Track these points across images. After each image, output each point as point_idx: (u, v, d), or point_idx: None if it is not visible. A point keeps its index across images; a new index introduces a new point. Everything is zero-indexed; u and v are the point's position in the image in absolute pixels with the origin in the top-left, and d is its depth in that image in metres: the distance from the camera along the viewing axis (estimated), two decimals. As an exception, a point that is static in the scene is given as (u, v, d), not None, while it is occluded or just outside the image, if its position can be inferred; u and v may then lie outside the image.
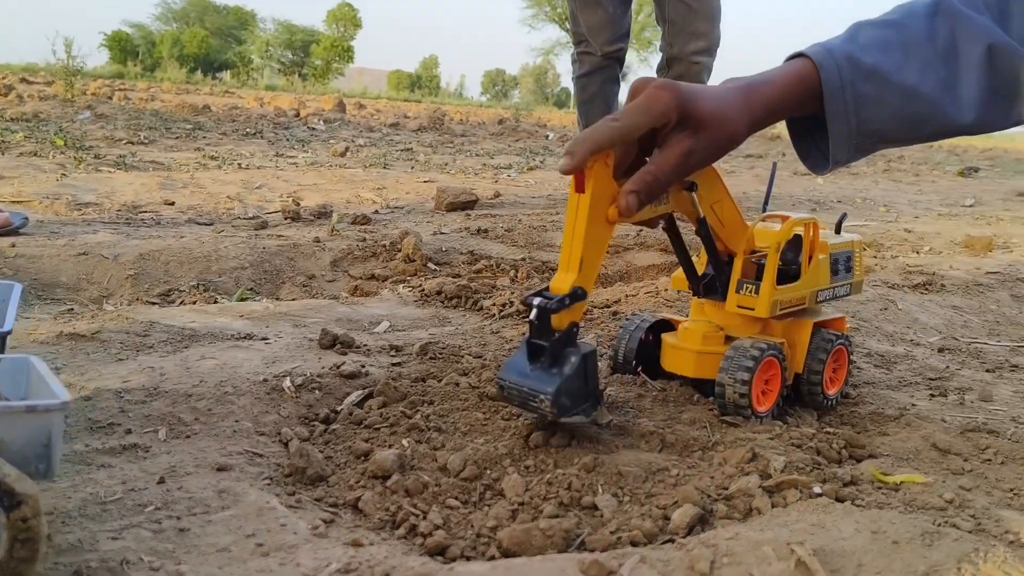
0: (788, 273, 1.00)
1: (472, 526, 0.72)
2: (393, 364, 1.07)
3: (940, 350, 1.40)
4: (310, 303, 1.38)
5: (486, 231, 2.11)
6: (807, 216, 1.00)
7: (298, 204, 2.44)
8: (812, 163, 0.99)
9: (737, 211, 0.99)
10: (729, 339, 1.00)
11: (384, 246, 1.88)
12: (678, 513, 0.72)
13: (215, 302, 1.48)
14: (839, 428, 0.95)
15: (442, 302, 1.47)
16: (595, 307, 1.42)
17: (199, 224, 2.08)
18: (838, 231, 1.10)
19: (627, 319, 1.10)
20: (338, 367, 1.02)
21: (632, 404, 0.95)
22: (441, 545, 0.68)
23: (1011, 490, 0.83)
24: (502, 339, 1.21)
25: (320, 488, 0.78)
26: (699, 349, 0.99)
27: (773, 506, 0.76)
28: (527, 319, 0.86)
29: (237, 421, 0.88)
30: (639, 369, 1.06)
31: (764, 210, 1.14)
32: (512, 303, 1.40)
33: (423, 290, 1.50)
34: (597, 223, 0.83)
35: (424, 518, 0.73)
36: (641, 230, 2.24)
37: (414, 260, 1.81)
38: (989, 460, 0.90)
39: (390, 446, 0.84)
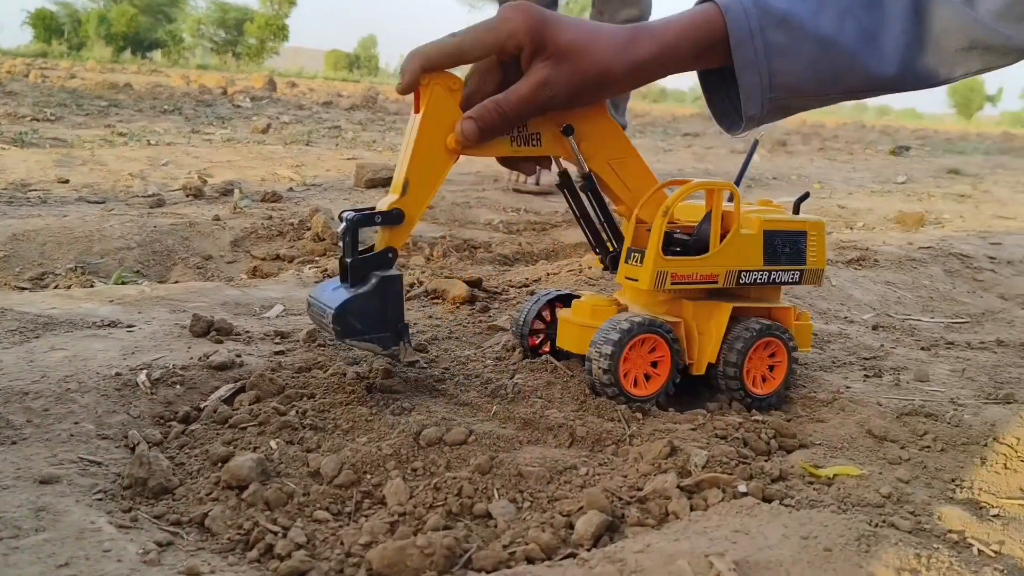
0: (695, 247, 0.89)
1: (342, 543, 0.61)
2: (276, 353, 0.95)
3: (874, 327, 1.33)
4: (194, 286, 1.25)
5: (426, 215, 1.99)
6: (722, 182, 0.89)
7: (204, 181, 2.28)
8: (728, 123, 0.90)
9: (647, 173, 0.89)
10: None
11: (292, 224, 1.74)
12: (582, 521, 0.62)
13: (91, 286, 1.34)
14: (768, 416, 0.85)
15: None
16: (512, 287, 1.32)
17: (89, 203, 1.91)
18: (796, 211, 0.95)
19: (531, 295, 1.00)
20: (207, 357, 0.90)
21: (540, 393, 0.84)
22: (297, 570, 0.57)
23: (952, 480, 0.76)
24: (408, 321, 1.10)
25: (163, 503, 0.66)
26: (586, 323, 0.89)
27: (692, 509, 0.66)
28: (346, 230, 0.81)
29: (76, 423, 0.76)
30: (539, 348, 0.96)
31: (739, 182, 1.02)
32: (421, 283, 1.29)
33: (326, 271, 1.38)
34: (431, 148, 0.79)
35: (284, 536, 0.61)
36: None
37: (323, 239, 1.68)
38: (928, 447, 0.82)
39: (255, 448, 0.73)
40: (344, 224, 0.81)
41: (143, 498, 0.67)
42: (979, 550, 0.63)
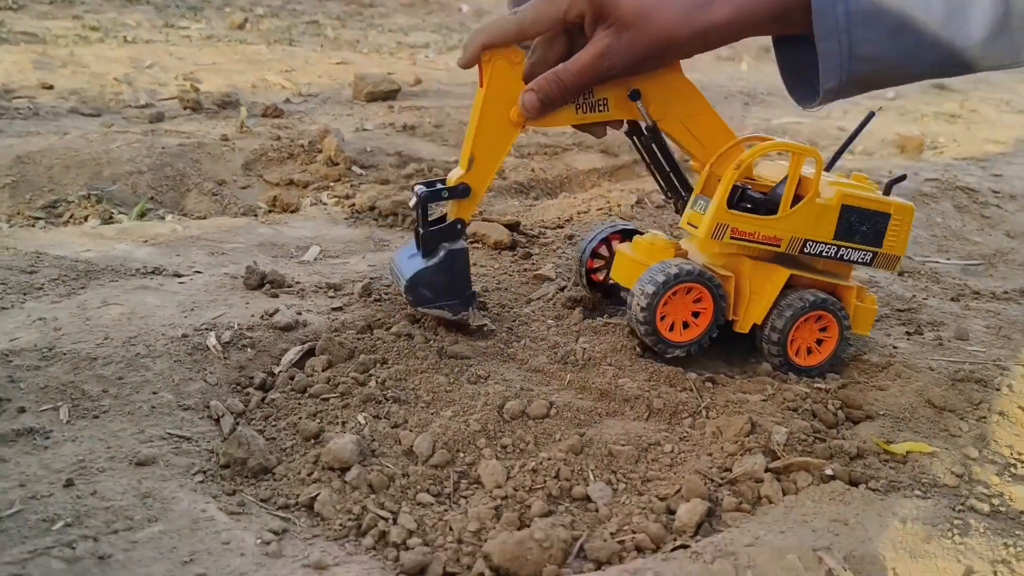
0: (764, 206, 0.88)
1: (451, 529, 0.62)
2: (334, 309, 0.94)
3: (900, 273, 1.34)
4: (225, 223, 1.22)
5: (413, 127, 1.94)
6: (804, 146, 0.87)
7: (197, 90, 2.19)
8: (800, 95, 0.87)
9: (723, 128, 0.88)
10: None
11: (302, 146, 1.69)
12: (684, 510, 0.64)
13: (110, 218, 1.30)
14: (830, 383, 0.87)
15: (375, 219, 1.32)
16: (547, 228, 1.30)
17: (84, 115, 1.83)
18: (888, 192, 0.92)
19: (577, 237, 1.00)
20: (270, 315, 0.89)
21: (610, 360, 0.85)
22: (420, 564, 0.58)
23: (1013, 454, 0.78)
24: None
25: (265, 484, 0.66)
26: (640, 260, 0.89)
27: (784, 493, 0.68)
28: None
29: (155, 393, 0.75)
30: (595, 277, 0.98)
31: (831, 166, 1.00)
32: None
33: (354, 205, 1.35)
34: (495, 122, 0.81)
35: (394, 521, 0.62)
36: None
37: (337, 163, 1.64)
38: (984, 418, 0.84)
39: (343, 423, 0.73)
40: (415, 199, 0.84)
41: (244, 479, 0.67)
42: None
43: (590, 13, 0.75)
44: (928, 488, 0.70)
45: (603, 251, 0.99)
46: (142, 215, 1.28)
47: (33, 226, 1.25)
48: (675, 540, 0.62)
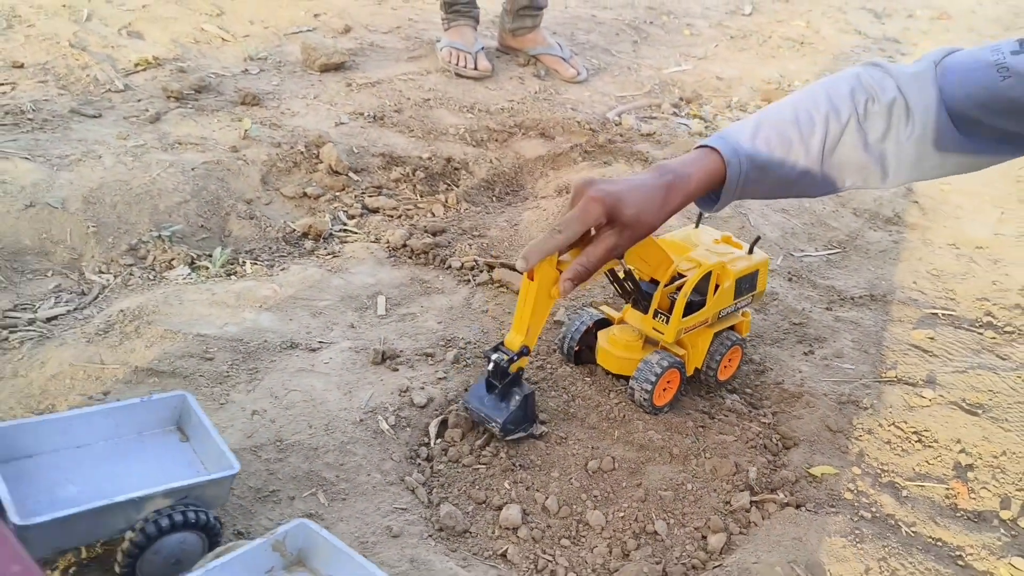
0: (694, 304, 1.32)
1: (587, 563, 1.07)
2: (439, 379, 1.32)
3: (789, 278, 1.84)
4: (305, 279, 1.53)
5: (381, 117, 2.22)
6: (718, 258, 1.31)
7: (155, 61, 2.34)
8: (702, 204, 1.20)
9: (660, 251, 1.26)
10: (648, 342, 1.34)
11: (301, 152, 1.96)
12: (714, 539, 1.12)
13: (192, 263, 1.58)
14: (768, 418, 1.36)
15: (410, 257, 1.67)
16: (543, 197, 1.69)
17: (88, 116, 1.99)
18: (751, 250, 1.38)
19: (571, 315, 1.41)
20: (405, 392, 1.27)
21: (639, 416, 1.30)
22: (584, 592, 1.03)
23: (879, 466, 1.30)
24: (497, 322, 1.48)
25: (468, 541, 1.08)
26: (621, 355, 1.33)
27: (763, 517, 1.17)
28: (486, 368, 1.17)
29: (369, 475, 1.13)
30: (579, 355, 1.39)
31: (698, 224, 1.44)
32: (476, 262, 1.64)
33: (389, 244, 1.68)
34: (542, 300, 1.12)
35: (556, 562, 1.07)
36: (514, 105, 2.44)
37: (339, 172, 1.94)
38: (860, 437, 1.36)
39: (497, 490, 1.15)
40: (493, 365, 1.16)
41: (454, 538, 1.08)
42: (906, 532, 1.19)
43: (605, 221, 1.07)
44: (836, 503, 1.21)
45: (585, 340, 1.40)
46: (225, 265, 1.57)
47: (131, 276, 1.52)
48: (712, 560, 1.10)
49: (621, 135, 2.38)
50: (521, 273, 1.10)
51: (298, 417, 1.19)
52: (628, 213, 1.06)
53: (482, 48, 2.62)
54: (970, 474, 1.30)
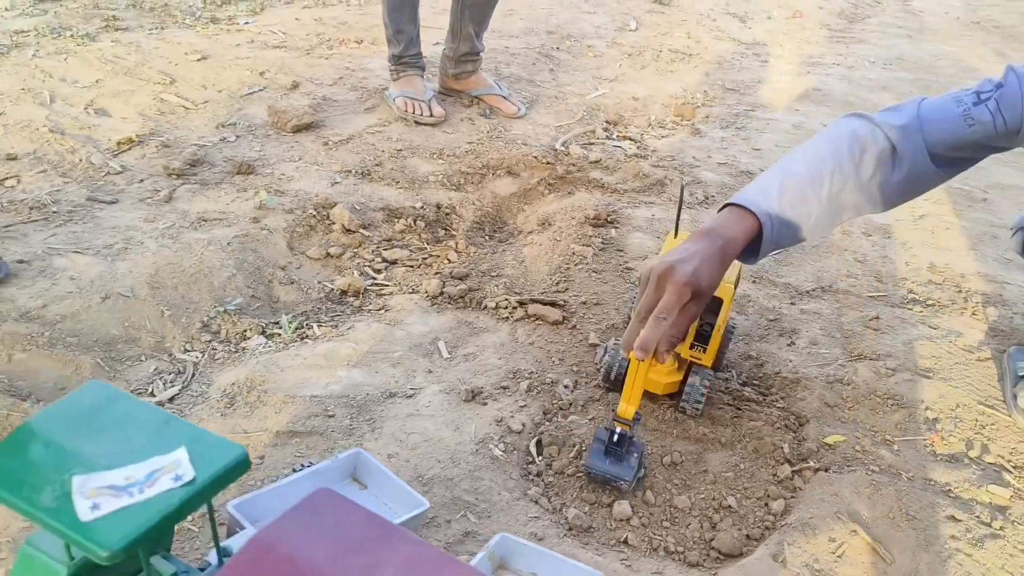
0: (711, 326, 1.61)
1: (687, 538, 1.36)
2: (521, 407, 1.58)
3: (754, 280, 2.18)
4: (374, 333, 1.75)
5: (367, 172, 2.43)
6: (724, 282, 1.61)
7: (140, 139, 2.47)
8: (739, 256, 1.53)
9: None
10: (680, 361, 1.64)
11: (313, 215, 2.16)
12: (775, 505, 1.43)
13: (263, 331, 1.77)
14: (778, 401, 1.69)
15: (449, 303, 1.91)
16: (529, 232, 1.97)
17: (105, 203, 2.11)
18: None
19: (610, 350, 1.67)
20: (501, 422, 1.52)
21: (684, 417, 1.59)
22: (694, 563, 1.32)
23: (870, 429, 1.65)
24: (544, 352, 1.75)
25: (594, 535, 1.35)
26: (667, 380, 1.62)
27: (804, 482, 1.49)
28: (612, 437, 1.40)
29: (499, 494, 1.38)
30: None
31: (676, 233, 1.74)
32: (508, 301, 1.90)
33: (428, 293, 1.92)
34: (643, 371, 1.35)
35: (664, 540, 1.35)
36: (473, 147, 2.69)
37: (352, 231, 2.15)
38: (851, 407, 1.70)
39: (602, 492, 1.42)
40: (618, 436, 1.39)
41: (585, 535, 1.34)
42: (905, 477, 1.53)
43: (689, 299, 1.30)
44: (851, 463, 1.55)
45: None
46: (297, 330, 1.77)
47: (215, 351, 1.70)
48: (778, 521, 1.41)
49: (574, 164, 2.68)
50: (641, 361, 1.29)
51: (426, 455, 1.43)
52: (704, 285, 1.28)
53: (433, 95, 2.86)
54: (938, 426, 1.66)
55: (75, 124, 2.52)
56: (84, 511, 0.77)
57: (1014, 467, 1.56)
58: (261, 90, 2.95)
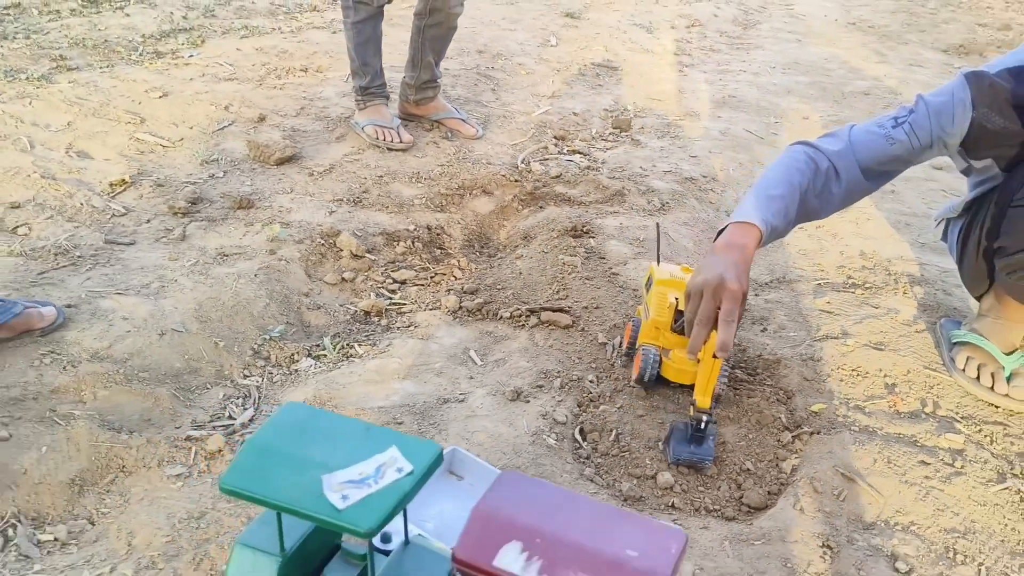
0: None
1: (722, 497, 1.63)
2: (559, 401, 1.81)
3: (719, 277, 2.47)
4: (412, 348, 1.94)
5: (359, 200, 2.61)
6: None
7: (132, 181, 2.58)
8: None
9: None
10: None
11: (321, 244, 2.34)
12: (785, 465, 1.71)
13: (309, 354, 1.95)
14: (765, 380, 1.98)
15: (469, 315, 2.12)
16: (516, 247, 2.21)
17: (124, 244, 2.23)
18: None
19: (644, 350, 1.93)
20: (546, 415, 1.75)
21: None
22: (731, 517, 1.59)
23: (845, 398, 1.96)
24: (564, 353, 1.99)
25: (646, 503, 1.60)
26: (692, 370, 1.89)
27: (804, 444, 1.78)
28: (699, 425, 1.66)
29: (561, 476, 1.61)
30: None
31: (658, 262, 2.02)
32: (520, 310, 2.13)
33: (448, 309, 2.13)
34: (715, 370, 1.64)
35: (703, 500, 1.61)
36: (445, 169, 2.91)
37: (360, 256, 2.34)
38: (825, 379, 2.01)
39: (643, 467, 1.67)
40: (705, 424, 1.63)
41: (638, 504, 1.59)
42: (881, 434, 1.84)
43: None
44: (836, 426, 1.85)
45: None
46: (338, 349, 1.95)
47: (272, 375, 1.87)
48: (791, 476, 1.69)
49: (539, 180, 2.93)
50: (722, 359, 1.57)
51: (492, 449, 1.65)
52: (746, 288, 1.56)
53: (400, 122, 3.06)
54: (896, 389, 1.99)
55: (62, 168, 2.61)
56: (338, 502, 0.97)
57: (962, 418, 1.90)
58: (230, 124, 3.09)
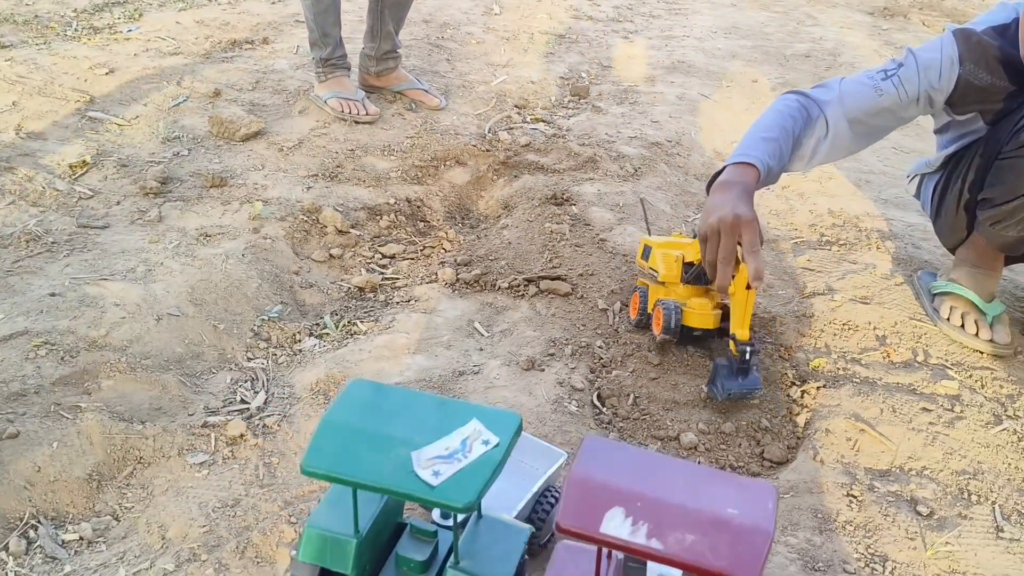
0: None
1: (744, 454, 1.66)
2: (572, 368, 1.82)
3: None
4: (417, 322, 1.91)
5: (334, 175, 2.55)
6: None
7: (94, 161, 2.46)
8: None
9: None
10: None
11: (304, 221, 2.28)
12: (799, 419, 1.75)
13: (311, 333, 1.90)
14: (766, 338, 2.02)
15: (468, 287, 2.10)
16: (498, 216, 2.21)
17: (98, 228, 2.12)
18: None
19: (662, 303, 1.96)
20: (563, 383, 1.75)
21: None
22: (755, 472, 1.62)
23: (839, 350, 2.01)
24: (568, 321, 1.99)
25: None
26: (713, 314, 1.93)
27: (813, 398, 1.82)
28: (744, 356, 1.72)
29: (583, 433, 1.62)
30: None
31: (649, 233, 2.05)
32: (517, 279, 2.12)
33: (446, 282, 2.10)
34: (751, 300, 1.71)
35: (727, 458, 1.64)
36: (415, 141, 2.86)
37: (345, 231, 2.29)
38: (820, 336, 2.06)
39: (666, 429, 1.69)
40: (750, 355, 1.70)
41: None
42: (881, 384, 1.90)
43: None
44: (838, 379, 1.90)
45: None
46: (339, 327, 1.91)
47: (277, 356, 1.83)
48: (806, 430, 1.73)
49: (509, 149, 2.90)
50: (756, 289, 1.63)
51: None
52: (756, 219, 1.61)
53: (364, 94, 2.99)
54: (887, 341, 2.05)
55: (16, 151, 2.48)
56: (431, 479, 0.95)
57: (952, 365, 1.97)
58: (185, 100, 2.97)
